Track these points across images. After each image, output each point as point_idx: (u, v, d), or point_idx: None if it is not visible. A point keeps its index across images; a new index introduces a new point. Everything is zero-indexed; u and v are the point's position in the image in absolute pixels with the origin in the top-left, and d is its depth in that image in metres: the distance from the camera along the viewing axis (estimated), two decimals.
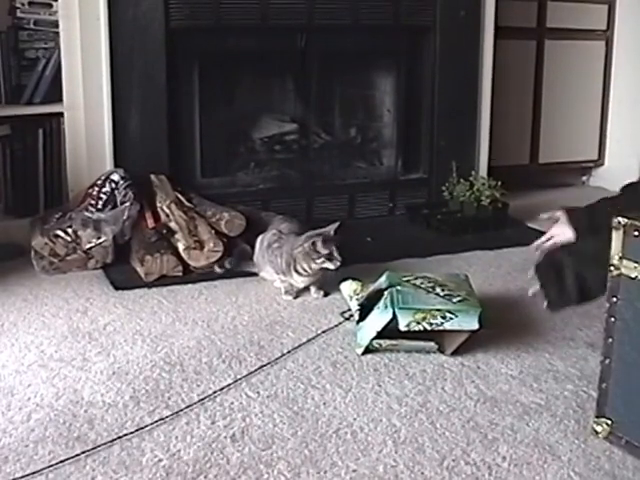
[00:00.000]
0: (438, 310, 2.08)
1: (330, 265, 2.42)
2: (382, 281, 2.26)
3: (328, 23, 3.22)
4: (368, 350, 2.12)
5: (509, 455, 1.67)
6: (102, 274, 2.70)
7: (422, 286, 2.21)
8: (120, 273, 2.69)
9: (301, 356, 2.12)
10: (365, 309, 2.22)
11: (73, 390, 1.91)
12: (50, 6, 3.00)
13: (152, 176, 2.97)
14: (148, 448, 1.67)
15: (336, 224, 2.49)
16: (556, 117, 3.96)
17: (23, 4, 2.99)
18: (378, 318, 2.12)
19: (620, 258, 1.65)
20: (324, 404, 1.87)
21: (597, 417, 1.73)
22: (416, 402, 1.89)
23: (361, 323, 2.20)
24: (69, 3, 2.89)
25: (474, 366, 2.06)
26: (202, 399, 1.87)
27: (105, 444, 1.68)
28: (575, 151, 4.11)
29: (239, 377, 1.99)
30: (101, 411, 1.81)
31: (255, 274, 2.66)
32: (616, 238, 1.65)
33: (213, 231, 2.77)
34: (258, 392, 1.92)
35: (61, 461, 1.61)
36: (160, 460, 1.63)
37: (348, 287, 2.37)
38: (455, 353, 2.12)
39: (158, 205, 2.87)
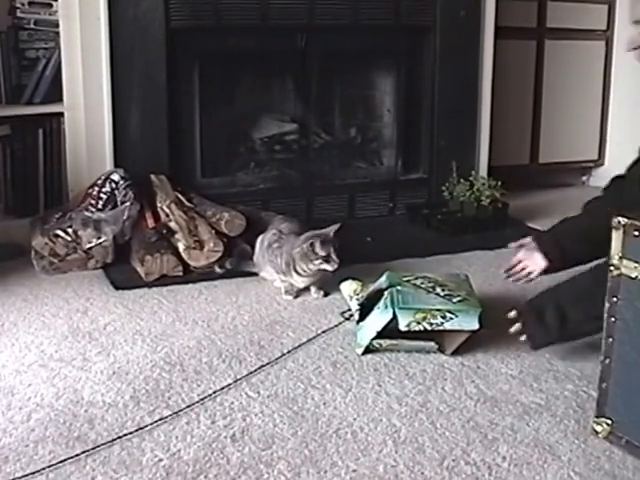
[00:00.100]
0: (438, 310, 2.08)
1: (327, 267, 2.42)
2: (382, 281, 2.26)
3: (328, 23, 3.22)
4: (368, 350, 2.12)
5: (509, 455, 1.67)
6: (102, 274, 2.70)
7: (422, 286, 2.21)
8: (120, 273, 2.69)
9: (301, 356, 2.12)
10: (365, 309, 2.22)
11: (73, 390, 1.91)
12: (50, 6, 3.00)
13: (152, 176, 2.98)
14: (148, 448, 1.67)
15: (336, 226, 2.49)
16: (556, 117, 3.96)
17: (23, 4, 2.99)
18: (378, 318, 2.12)
19: (620, 258, 1.65)
20: (324, 404, 1.87)
21: (597, 417, 1.73)
22: (416, 402, 1.89)
23: (361, 323, 2.20)
24: (69, 3, 2.89)
25: (474, 366, 2.07)
26: (202, 399, 1.87)
27: (105, 444, 1.68)
28: (575, 151, 4.11)
29: (239, 377, 1.99)
30: (101, 411, 1.81)
31: (255, 274, 2.66)
32: (616, 238, 1.65)
33: (213, 231, 2.77)
34: (258, 392, 1.92)
35: (61, 461, 1.61)
36: (160, 460, 1.63)
37: (348, 287, 2.37)
38: (455, 353, 2.12)
39: (158, 205, 2.87)
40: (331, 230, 2.48)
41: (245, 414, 1.81)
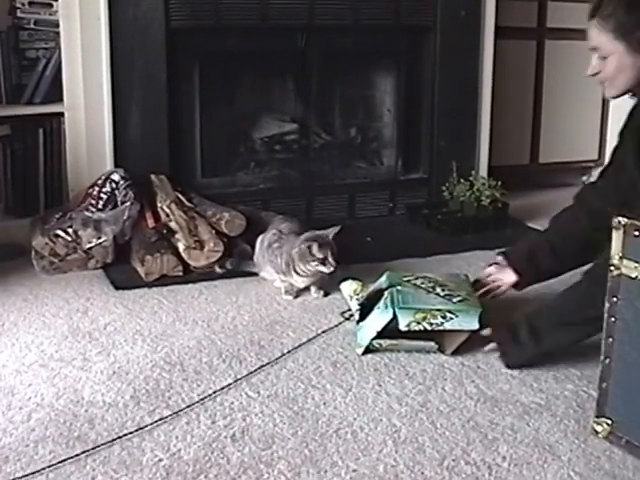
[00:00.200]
0: (438, 310, 2.09)
1: (324, 269, 2.43)
2: (382, 281, 2.26)
3: (328, 23, 3.22)
4: (368, 350, 2.12)
5: (509, 455, 1.67)
6: (102, 274, 2.70)
7: (422, 286, 2.21)
8: (120, 273, 2.69)
9: (301, 356, 2.12)
10: (365, 309, 2.22)
11: (73, 390, 1.91)
12: (50, 6, 3.00)
13: (152, 176, 2.98)
14: (148, 448, 1.67)
15: (336, 229, 2.49)
16: (556, 117, 3.96)
17: (23, 4, 2.99)
18: (378, 318, 2.12)
19: (620, 258, 1.65)
20: (324, 404, 1.87)
21: (597, 417, 1.73)
22: (416, 402, 1.89)
23: (361, 323, 2.20)
24: (69, 3, 2.89)
25: (474, 366, 2.07)
26: (202, 399, 1.87)
27: (105, 444, 1.68)
28: (575, 151, 4.11)
29: (239, 377, 1.99)
30: (101, 411, 1.82)
31: (255, 274, 2.67)
32: (616, 238, 1.65)
33: (213, 231, 2.77)
34: (258, 392, 1.92)
35: (61, 461, 1.61)
36: (160, 460, 1.63)
37: (348, 287, 2.37)
38: (455, 353, 2.12)
39: (158, 205, 2.87)
40: (330, 232, 2.48)
41: (245, 414, 1.81)
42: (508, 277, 2.30)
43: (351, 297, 2.33)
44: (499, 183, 3.33)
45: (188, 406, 1.84)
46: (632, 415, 1.67)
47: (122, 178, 2.84)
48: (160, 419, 1.78)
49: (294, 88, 3.50)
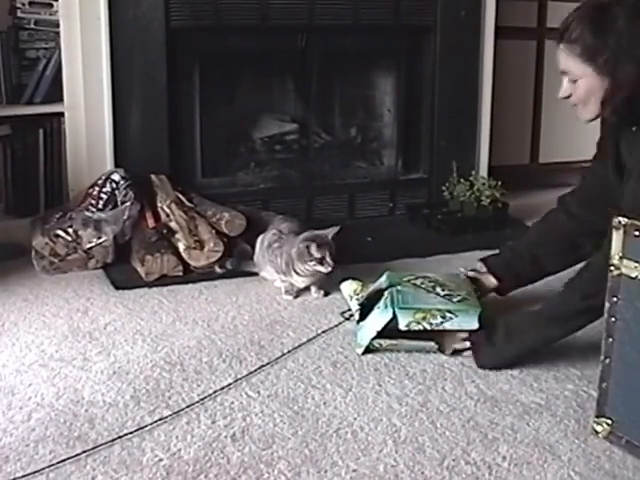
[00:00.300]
0: (438, 310, 2.09)
1: (322, 269, 2.43)
2: (382, 281, 2.26)
3: (328, 23, 3.22)
4: (368, 350, 2.12)
5: (509, 455, 1.67)
6: (102, 274, 2.70)
7: (422, 286, 2.21)
8: (120, 273, 2.69)
9: (301, 356, 2.12)
10: (365, 309, 2.22)
11: (74, 390, 1.91)
12: (51, 6, 3.00)
13: (152, 176, 2.98)
14: (148, 447, 1.67)
15: (335, 229, 2.49)
16: (556, 117, 3.96)
17: (24, 4, 2.99)
18: (378, 318, 2.12)
19: (620, 258, 1.65)
20: (324, 404, 1.87)
21: (597, 417, 1.73)
22: (416, 402, 1.89)
23: (361, 323, 2.21)
24: (69, 3, 2.89)
25: (474, 366, 2.06)
26: (202, 399, 1.88)
27: (106, 443, 1.68)
28: (575, 151, 4.10)
29: (239, 377, 1.99)
30: (102, 410, 1.82)
31: (255, 274, 2.67)
32: (616, 238, 1.65)
33: (213, 231, 2.77)
34: (258, 392, 1.92)
35: (62, 460, 1.61)
36: (160, 460, 1.63)
37: (348, 287, 2.37)
38: (455, 353, 2.12)
39: (158, 205, 2.87)
40: (329, 233, 2.48)
41: (245, 414, 1.82)
42: (488, 282, 2.35)
43: (351, 297, 2.34)
44: (499, 183, 3.32)
45: (188, 406, 1.84)
46: (632, 415, 1.67)
47: (122, 178, 2.84)
48: (160, 419, 1.78)
49: (294, 88, 3.49)
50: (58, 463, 1.61)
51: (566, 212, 2.28)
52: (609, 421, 1.71)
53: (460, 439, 1.73)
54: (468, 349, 2.08)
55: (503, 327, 2.04)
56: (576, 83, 1.95)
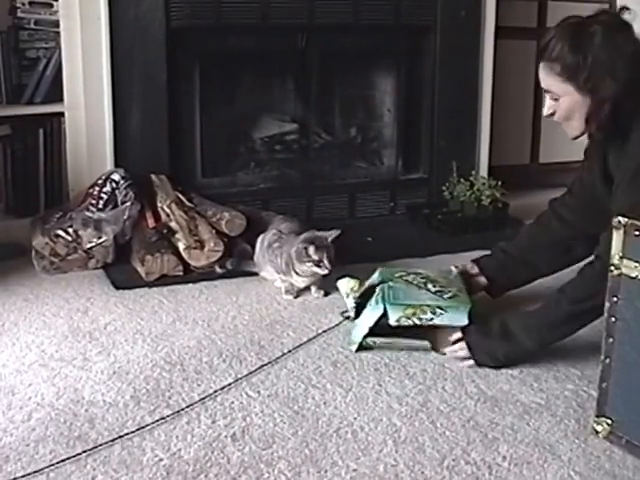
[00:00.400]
0: (428, 306, 2.09)
1: (319, 271, 2.43)
2: (375, 277, 2.27)
3: (328, 23, 3.22)
4: (361, 347, 2.12)
5: (509, 454, 1.67)
6: (103, 274, 2.70)
7: (414, 282, 2.22)
8: (121, 273, 2.69)
9: (301, 356, 2.12)
10: (360, 306, 2.22)
11: (74, 389, 1.91)
12: (51, 6, 3.00)
13: (153, 176, 2.98)
14: (149, 447, 1.67)
15: (336, 232, 2.49)
16: None
17: (24, 4, 2.98)
18: (370, 314, 2.13)
19: (620, 258, 1.65)
20: (324, 403, 1.87)
21: (597, 416, 1.73)
22: (416, 401, 1.89)
23: (356, 321, 2.21)
24: (70, 3, 2.89)
25: (475, 366, 2.06)
26: (203, 398, 1.88)
27: (106, 443, 1.68)
28: (576, 151, 4.09)
29: (240, 376, 1.99)
30: (102, 410, 1.82)
31: (256, 274, 2.67)
32: (616, 238, 1.65)
33: (214, 231, 2.77)
34: (259, 391, 1.92)
35: (62, 460, 1.61)
36: (161, 459, 1.63)
37: (345, 284, 2.37)
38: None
39: (159, 205, 2.87)
40: (329, 235, 2.48)
41: (245, 414, 1.82)
42: (478, 282, 2.37)
43: (347, 295, 2.33)
44: (499, 183, 3.32)
45: (188, 406, 1.84)
46: (632, 415, 1.67)
47: (122, 178, 2.84)
48: (160, 419, 1.78)
49: (294, 88, 3.50)
50: (58, 463, 1.61)
51: (559, 218, 2.30)
52: (609, 421, 1.71)
53: (460, 439, 1.73)
54: (463, 356, 2.08)
55: (499, 328, 2.04)
56: (558, 101, 1.96)
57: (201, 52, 3.14)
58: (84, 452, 1.64)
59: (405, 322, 2.08)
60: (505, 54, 3.62)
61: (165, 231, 2.78)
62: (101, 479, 1.56)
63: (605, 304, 1.69)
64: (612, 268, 1.66)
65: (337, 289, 2.41)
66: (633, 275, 1.63)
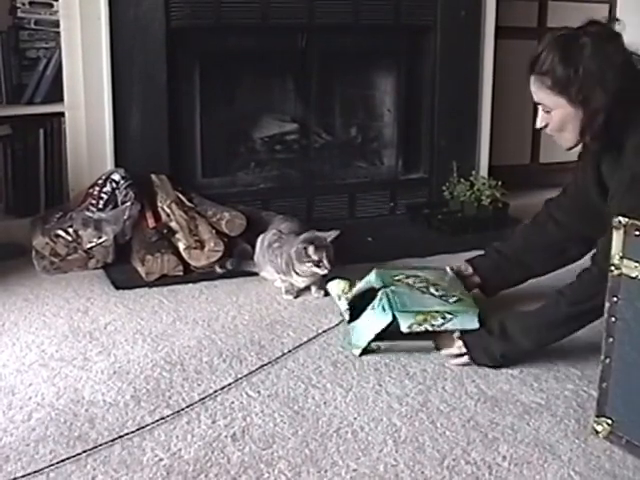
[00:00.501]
0: (437, 312, 2.09)
1: (318, 271, 2.43)
2: (372, 280, 2.25)
3: (328, 23, 3.22)
4: (365, 351, 2.12)
5: (509, 454, 1.67)
6: (103, 274, 2.70)
7: (415, 286, 2.21)
8: (121, 273, 2.69)
9: (302, 355, 2.12)
10: (356, 309, 2.21)
11: (74, 389, 1.91)
12: (51, 6, 3.00)
13: (153, 176, 2.98)
14: (149, 447, 1.67)
15: (335, 233, 2.49)
16: None
17: (24, 4, 2.99)
18: (376, 320, 2.11)
19: (621, 258, 1.65)
20: (325, 403, 1.87)
21: (597, 416, 1.73)
22: (417, 401, 1.89)
23: (353, 323, 2.20)
24: (70, 3, 2.89)
25: (474, 365, 2.06)
26: (203, 398, 1.88)
27: (106, 443, 1.68)
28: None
29: (240, 376, 1.99)
30: (102, 410, 1.82)
31: (256, 274, 2.67)
32: (617, 238, 1.65)
33: (214, 231, 2.77)
34: (259, 391, 1.92)
35: (62, 460, 1.61)
36: (161, 459, 1.63)
37: (336, 286, 2.35)
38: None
39: (159, 205, 2.87)
40: (329, 236, 2.48)
41: (246, 413, 1.82)
42: (472, 281, 2.38)
43: (339, 297, 2.32)
44: (499, 183, 3.33)
45: (188, 406, 1.84)
46: (632, 415, 1.67)
47: (122, 178, 2.84)
48: (161, 418, 1.78)
49: (294, 88, 3.50)
50: (58, 463, 1.61)
51: (554, 221, 2.31)
52: (609, 421, 1.71)
53: (460, 439, 1.73)
54: (462, 355, 2.08)
55: (498, 328, 2.04)
56: (550, 113, 1.96)
57: (201, 52, 3.14)
58: (84, 452, 1.64)
59: (417, 328, 2.07)
60: (505, 54, 3.62)
61: (165, 231, 2.78)
62: (101, 479, 1.56)
63: (604, 304, 1.69)
64: (612, 268, 1.66)
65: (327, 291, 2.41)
66: (633, 275, 1.63)
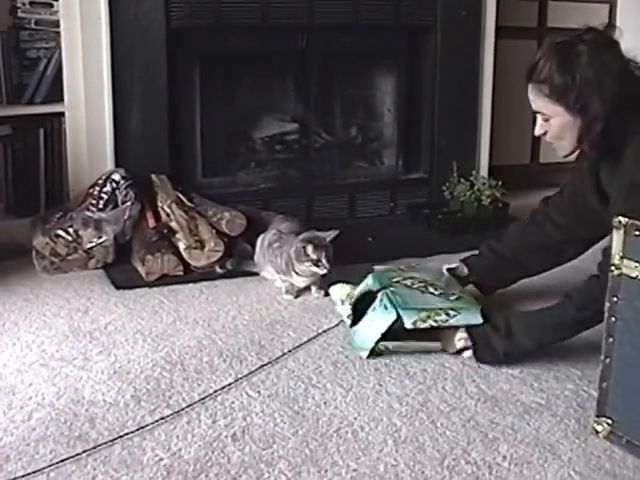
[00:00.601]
0: (440, 308, 2.09)
1: (317, 270, 2.43)
2: (369, 283, 2.25)
3: (328, 23, 3.22)
4: (373, 353, 2.10)
5: (509, 454, 1.67)
6: (103, 274, 2.70)
7: (414, 287, 2.21)
8: (121, 273, 2.69)
9: (302, 355, 2.12)
10: (358, 312, 2.20)
11: (74, 389, 1.91)
12: (51, 6, 3.00)
13: (153, 176, 2.98)
14: (149, 447, 1.67)
15: (335, 233, 2.49)
16: None
17: (24, 4, 2.99)
18: (380, 319, 2.11)
19: (621, 258, 1.65)
20: (325, 403, 1.87)
21: (597, 416, 1.73)
22: (417, 401, 1.89)
23: (355, 327, 2.19)
24: (70, 3, 2.90)
25: (475, 365, 2.06)
26: (203, 398, 1.88)
27: (106, 443, 1.68)
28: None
29: (240, 376, 1.99)
30: (102, 410, 1.82)
31: (256, 274, 2.67)
32: (617, 238, 1.65)
33: (214, 231, 2.77)
34: (259, 391, 1.92)
35: (62, 460, 1.61)
36: (161, 459, 1.63)
37: (339, 291, 2.33)
38: (458, 352, 2.11)
39: (159, 205, 2.87)
40: (328, 235, 2.48)
41: (246, 413, 1.82)
42: (468, 283, 2.38)
43: (342, 301, 2.30)
44: (499, 183, 3.33)
45: (189, 405, 1.84)
46: (632, 415, 1.67)
47: (123, 178, 2.84)
48: (161, 418, 1.78)
49: (294, 88, 3.50)
50: (59, 462, 1.61)
51: (552, 222, 2.31)
52: (609, 421, 1.71)
53: (460, 439, 1.73)
54: (466, 349, 2.08)
55: (503, 325, 2.04)
56: (549, 121, 1.97)
57: (201, 52, 3.14)
58: (84, 452, 1.64)
59: (422, 325, 2.06)
60: (505, 54, 3.62)
61: (165, 231, 2.78)
62: (101, 479, 1.56)
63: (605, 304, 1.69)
64: (612, 268, 1.67)
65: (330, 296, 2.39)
66: (633, 275, 1.63)
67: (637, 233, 1.62)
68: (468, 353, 2.06)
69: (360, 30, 3.29)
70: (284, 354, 2.12)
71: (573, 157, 2.10)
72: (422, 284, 2.22)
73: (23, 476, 1.57)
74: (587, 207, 2.17)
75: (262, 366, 2.05)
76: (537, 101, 1.97)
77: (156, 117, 3.01)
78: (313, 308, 2.45)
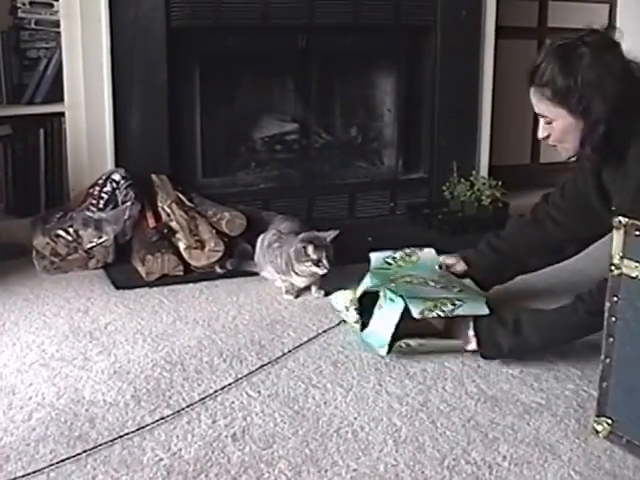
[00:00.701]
0: (446, 298, 2.08)
1: (317, 270, 2.43)
2: (368, 282, 2.24)
3: (328, 23, 3.22)
4: (391, 349, 2.06)
5: (509, 454, 1.67)
6: (103, 274, 2.70)
7: (414, 282, 2.21)
8: (121, 273, 2.69)
9: (302, 355, 2.12)
10: (365, 315, 2.19)
11: (74, 389, 1.91)
12: (51, 6, 3.00)
13: (153, 176, 2.98)
14: (149, 447, 1.67)
15: (335, 233, 2.48)
16: None
17: (24, 4, 2.99)
18: (389, 313, 2.07)
19: (621, 258, 1.65)
20: (325, 403, 1.87)
21: (598, 416, 1.73)
22: (417, 401, 1.89)
23: (366, 330, 2.16)
24: (70, 3, 2.90)
25: (475, 365, 2.07)
26: (203, 398, 1.88)
27: (106, 443, 1.68)
28: None
29: (240, 376, 1.99)
30: (102, 410, 1.82)
31: (256, 274, 2.67)
32: (617, 238, 1.65)
33: (214, 231, 2.77)
34: (259, 391, 1.92)
35: (62, 460, 1.61)
36: (161, 459, 1.63)
37: (342, 298, 2.30)
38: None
39: (159, 205, 2.87)
40: (328, 235, 2.48)
41: (246, 413, 1.82)
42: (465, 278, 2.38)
43: (347, 308, 2.26)
44: (500, 183, 3.33)
45: (189, 405, 1.84)
46: (632, 414, 1.67)
47: (123, 178, 2.85)
48: (161, 418, 1.78)
49: (294, 88, 3.50)
50: (59, 462, 1.61)
51: (553, 220, 2.31)
52: (609, 421, 1.71)
53: (460, 439, 1.73)
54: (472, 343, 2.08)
55: (512, 321, 2.03)
56: (552, 124, 1.97)
57: (201, 52, 3.14)
58: (84, 452, 1.64)
59: (429, 314, 2.04)
60: (505, 54, 3.62)
61: (165, 231, 2.78)
62: (101, 479, 1.56)
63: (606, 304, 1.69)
64: (612, 268, 1.67)
65: (339, 291, 2.37)
66: (633, 275, 1.63)
67: (637, 233, 1.62)
68: (472, 346, 2.06)
69: (360, 30, 3.29)
70: (284, 354, 2.12)
71: (575, 157, 2.10)
72: (421, 280, 2.22)
73: (23, 476, 1.57)
74: (588, 207, 2.17)
75: (262, 366, 2.05)
76: (539, 104, 1.97)
77: (156, 117, 3.02)
78: (313, 308, 2.45)
